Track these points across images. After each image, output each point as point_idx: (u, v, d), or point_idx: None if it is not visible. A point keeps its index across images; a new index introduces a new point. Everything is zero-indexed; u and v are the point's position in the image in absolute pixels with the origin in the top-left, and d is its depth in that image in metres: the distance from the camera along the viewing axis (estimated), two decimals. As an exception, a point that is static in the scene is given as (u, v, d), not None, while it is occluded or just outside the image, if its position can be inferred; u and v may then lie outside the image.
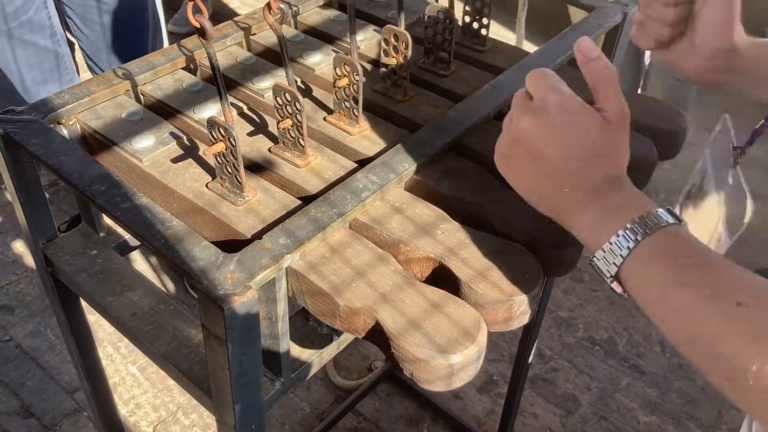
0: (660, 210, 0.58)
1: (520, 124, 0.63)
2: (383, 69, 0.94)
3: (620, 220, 0.58)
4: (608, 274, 0.59)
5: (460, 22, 1.07)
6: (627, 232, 0.57)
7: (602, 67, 0.62)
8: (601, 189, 0.61)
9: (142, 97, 0.94)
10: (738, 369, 0.50)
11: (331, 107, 0.90)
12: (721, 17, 0.76)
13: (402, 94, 0.94)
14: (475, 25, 1.05)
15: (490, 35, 1.06)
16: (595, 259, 0.60)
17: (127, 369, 1.97)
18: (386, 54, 0.92)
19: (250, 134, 0.88)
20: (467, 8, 1.05)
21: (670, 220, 0.57)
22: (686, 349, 0.55)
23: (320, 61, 1.00)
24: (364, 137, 0.88)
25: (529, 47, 1.39)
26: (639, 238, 0.57)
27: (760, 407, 0.51)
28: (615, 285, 0.60)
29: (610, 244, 0.58)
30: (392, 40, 0.90)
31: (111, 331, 2.03)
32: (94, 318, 1.81)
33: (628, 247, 0.57)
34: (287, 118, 0.80)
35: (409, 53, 0.90)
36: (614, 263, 0.58)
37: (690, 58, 0.80)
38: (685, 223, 0.58)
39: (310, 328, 0.81)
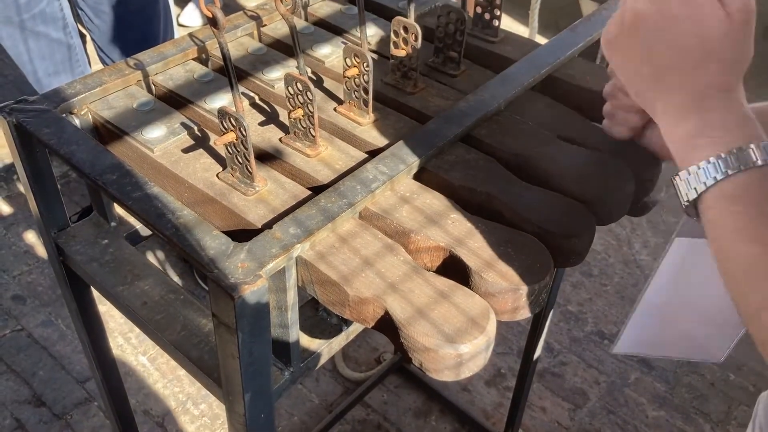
0: (754, 146, 0.52)
1: (636, 4, 0.58)
2: (393, 61, 0.94)
3: (717, 144, 0.53)
4: (685, 198, 0.55)
5: (471, 13, 1.06)
6: (719, 161, 0.52)
7: None
8: (707, 99, 0.55)
9: (153, 87, 0.94)
10: None
11: (341, 98, 0.90)
12: None
13: (412, 86, 0.94)
14: (487, 15, 1.05)
15: (501, 28, 1.06)
16: (677, 177, 0.55)
17: (138, 359, 1.98)
18: (396, 46, 0.92)
19: (261, 124, 0.88)
20: None
21: (760, 161, 0.52)
22: (736, 300, 0.52)
23: (330, 53, 1.00)
24: (375, 128, 0.88)
25: (540, 40, 1.39)
26: (730, 171, 0.52)
27: None
28: (689, 209, 0.56)
29: (698, 168, 0.53)
30: (402, 31, 0.90)
31: (122, 321, 2.04)
32: (105, 308, 1.82)
33: (715, 178, 0.52)
34: (298, 107, 0.80)
35: (419, 45, 0.90)
36: (695, 189, 0.54)
37: (661, 142, 0.71)
38: None
39: (319, 318, 0.81)
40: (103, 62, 2.13)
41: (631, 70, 0.60)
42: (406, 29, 0.89)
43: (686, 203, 0.56)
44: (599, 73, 0.98)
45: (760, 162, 0.52)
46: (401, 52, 0.92)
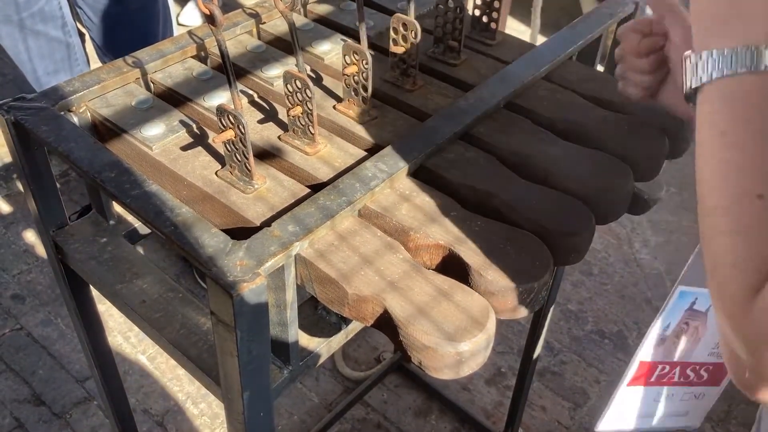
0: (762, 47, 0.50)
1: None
2: (392, 58, 0.94)
3: (728, 36, 0.51)
4: (689, 84, 0.54)
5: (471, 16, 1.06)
6: (721, 57, 0.51)
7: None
8: None
9: (152, 85, 0.94)
10: (709, 242, 0.50)
11: (341, 96, 0.90)
12: (685, 50, 0.70)
13: (411, 84, 0.93)
14: (485, 18, 1.04)
15: (500, 31, 1.05)
16: (688, 59, 0.54)
17: (137, 358, 1.98)
18: (395, 43, 0.91)
19: (260, 122, 0.88)
20: (478, 1, 1.04)
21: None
22: (699, 196, 0.53)
23: (330, 50, 1.00)
24: (374, 126, 0.87)
25: (540, 39, 1.39)
26: (726, 72, 0.51)
27: (714, 293, 0.51)
28: (688, 95, 0.55)
29: (710, 55, 0.51)
30: (401, 29, 0.90)
31: (121, 320, 2.04)
32: (104, 308, 1.82)
33: (710, 76, 0.51)
34: (297, 105, 0.80)
35: (418, 42, 0.89)
36: (700, 78, 0.52)
37: (676, 98, 0.78)
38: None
39: (318, 316, 0.81)
40: (102, 61, 2.12)
41: None
42: (405, 26, 0.89)
43: (688, 89, 0.54)
44: (597, 79, 0.98)
45: (763, 67, 0.49)
46: (401, 50, 0.91)
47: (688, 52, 0.54)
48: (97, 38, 2.05)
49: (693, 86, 0.53)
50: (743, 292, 0.48)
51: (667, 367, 0.92)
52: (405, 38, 0.90)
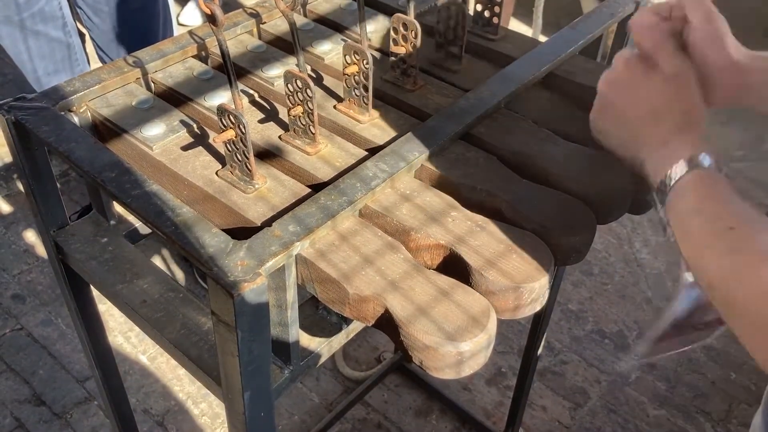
0: (705, 155, 0.65)
1: (601, 91, 0.75)
2: (393, 58, 0.93)
3: (675, 159, 0.66)
4: (660, 205, 0.67)
5: (471, 11, 1.06)
6: (677, 167, 0.65)
7: (651, 33, 0.71)
8: (668, 141, 0.68)
9: (152, 84, 0.94)
10: (710, 280, 0.60)
11: (341, 95, 0.90)
12: (708, 37, 0.75)
13: (412, 83, 0.93)
14: (487, 13, 1.04)
15: (502, 26, 1.05)
16: (654, 192, 0.67)
17: (138, 358, 1.98)
18: (395, 43, 0.91)
19: (261, 122, 0.88)
20: None
21: (707, 163, 0.65)
22: (691, 264, 0.63)
23: (330, 50, 1.00)
24: (374, 125, 0.87)
25: (541, 39, 1.38)
26: (683, 173, 0.65)
27: (727, 318, 0.60)
28: (663, 215, 0.67)
29: (662, 179, 0.66)
30: (401, 29, 0.90)
31: (122, 320, 2.04)
32: (104, 308, 1.81)
33: (675, 180, 0.65)
34: (298, 105, 0.80)
35: (419, 42, 0.89)
36: (664, 194, 0.66)
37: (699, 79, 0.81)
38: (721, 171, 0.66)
39: (319, 316, 0.81)
40: (102, 61, 2.12)
41: (613, 138, 0.75)
42: (405, 26, 0.89)
43: (662, 209, 0.67)
44: (599, 71, 0.98)
45: (707, 164, 0.65)
46: (401, 50, 0.91)
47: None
48: (98, 38, 2.05)
49: (663, 203, 0.67)
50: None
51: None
52: (405, 38, 0.90)
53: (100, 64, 2.16)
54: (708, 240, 0.61)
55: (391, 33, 0.91)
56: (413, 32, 0.89)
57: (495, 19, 1.04)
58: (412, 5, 0.92)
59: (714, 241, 0.60)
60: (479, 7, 1.05)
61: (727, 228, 0.60)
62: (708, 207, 0.63)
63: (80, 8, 1.98)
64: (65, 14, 1.92)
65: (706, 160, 0.66)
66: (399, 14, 0.89)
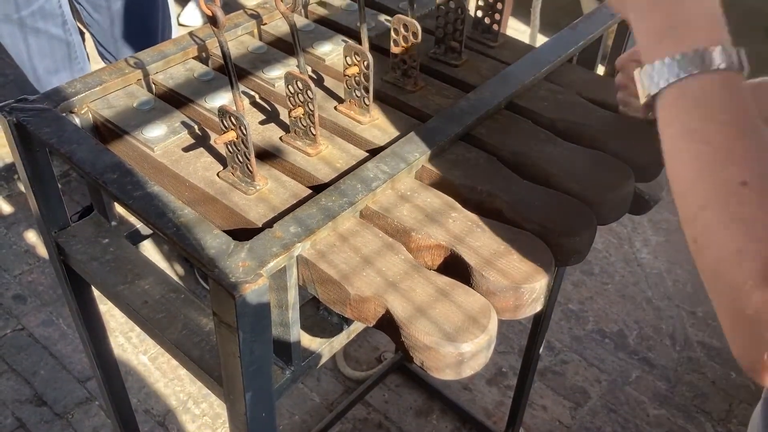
0: (718, 49, 0.53)
1: None
2: (393, 59, 0.94)
3: (681, 42, 0.54)
4: (646, 93, 0.56)
5: (472, 16, 1.06)
6: (682, 59, 0.54)
7: None
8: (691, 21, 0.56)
9: (153, 86, 0.94)
10: (706, 241, 0.51)
11: (342, 97, 0.90)
12: None
13: (412, 84, 0.94)
14: (487, 20, 1.04)
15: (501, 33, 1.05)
16: (640, 71, 0.57)
17: (139, 359, 1.98)
18: (396, 44, 0.92)
19: (262, 123, 0.88)
20: (480, 2, 1.03)
21: (723, 64, 0.53)
22: (679, 200, 0.54)
23: (331, 51, 1.00)
24: (375, 126, 0.87)
25: (540, 39, 1.39)
26: (692, 71, 0.53)
27: (711, 286, 0.52)
28: (647, 105, 0.57)
29: (662, 63, 0.55)
30: (402, 29, 0.90)
31: (123, 321, 2.04)
32: (105, 308, 1.82)
33: (678, 75, 0.54)
34: (299, 106, 0.80)
35: (419, 43, 0.89)
36: (657, 84, 0.55)
37: None
38: (744, 69, 0.54)
39: (320, 317, 0.81)
40: (103, 57, 2.13)
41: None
42: (406, 27, 0.89)
43: (645, 98, 0.57)
44: (597, 83, 0.98)
45: (723, 65, 0.53)
46: (401, 50, 0.91)
47: (637, 69, 0.57)
48: (98, 35, 2.05)
49: (652, 93, 0.55)
50: (752, 278, 0.48)
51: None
52: (406, 39, 0.90)
53: (100, 62, 2.18)
54: (712, 191, 0.51)
55: (392, 34, 0.91)
56: (413, 33, 0.89)
57: (495, 26, 1.04)
58: (412, 6, 0.92)
59: (721, 197, 0.51)
60: (479, 14, 1.05)
61: (740, 183, 0.50)
62: (715, 137, 0.52)
63: (80, 4, 1.98)
64: (65, 12, 1.92)
65: (720, 58, 0.53)
66: (399, 15, 0.89)
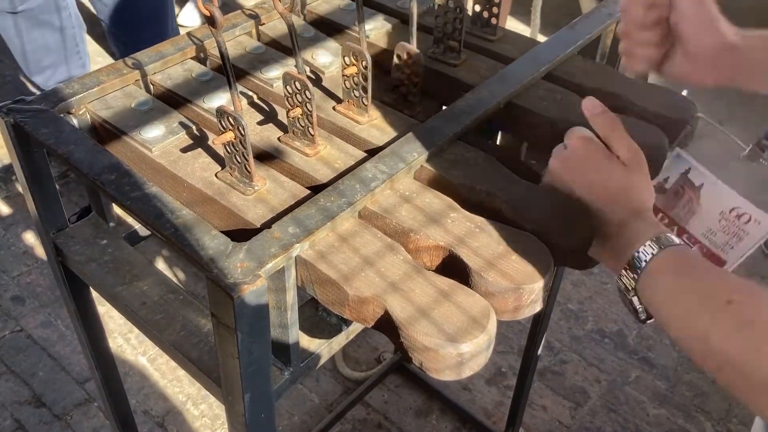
0: (670, 234, 0.67)
1: (550, 164, 0.76)
2: (394, 81, 0.92)
3: (640, 241, 0.66)
4: (630, 287, 0.67)
5: (470, 11, 1.06)
6: (645, 248, 0.65)
7: (608, 118, 0.73)
8: (626, 222, 0.70)
9: (151, 86, 0.94)
10: (724, 358, 0.58)
11: (341, 97, 0.90)
12: (702, 21, 0.76)
13: (410, 110, 0.92)
14: (486, 14, 1.04)
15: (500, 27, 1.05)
16: (621, 276, 0.67)
17: (137, 359, 1.98)
18: (398, 69, 0.91)
19: (260, 123, 0.88)
20: None
21: (677, 241, 0.66)
22: (687, 345, 0.62)
23: (330, 63, 0.99)
24: (374, 126, 0.87)
25: (539, 38, 1.39)
26: (654, 252, 0.65)
27: (745, 394, 0.58)
28: (635, 299, 0.67)
29: (637, 252, 0.66)
30: (404, 56, 0.89)
31: (121, 322, 2.04)
32: (104, 309, 1.81)
33: (646, 261, 0.65)
34: (297, 106, 0.80)
35: (421, 71, 0.89)
36: (633, 278, 0.66)
37: (687, 66, 0.80)
38: (691, 246, 0.67)
39: (319, 317, 0.81)
40: (113, 39, 2.14)
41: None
42: (409, 55, 0.88)
43: (632, 293, 0.67)
44: (598, 71, 0.98)
45: (672, 244, 0.66)
46: (402, 75, 0.90)
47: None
48: (107, 18, 2.09)
49: (634, 286, 0.67)
50: None
51: (666, 220, 0.97)
52: (407, 66, 0.89)
53: (105, 57, 2.19)
54: (708, 318, 0.59)
55: (394, 59, 0.90)
56: (416, 62, 0.88)
57: (494, 20, 1.04)
58: (414, 6, 0.92)
59: (716, 319, 0.58)
60: (477, 8, 1.05)
61: (725, 302, 0.58)
62: (695, 284, 0.62)
63: None
64: (69, 4, 1.94)
65: (674, 238, 0.66)
66: (402, 43, 0.88)
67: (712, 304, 0.59)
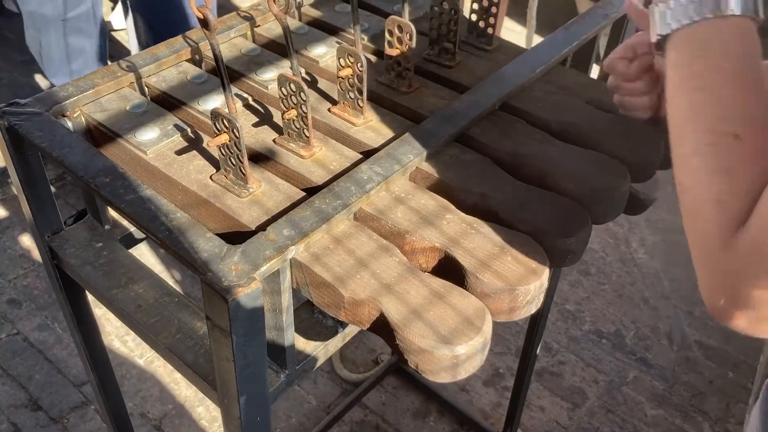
0: None
1: None
2: (387, 60, 0.93)
3: None
4: (658, 32, 0.57)
5: (467, 15, 1.06)
6: (689, 4, 0.54)
7: None
8: None
9: (146, 89, 0.93)
10: (691, 185, 0.53)
11: (336, 98, 0.90)
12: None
13: (406, 86, 0.93)
14: (482, 24, 1.04)
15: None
16: (656, 5, 0.57)
17: (134, 362, 1.97)
18: (390, 45, 0.91)
19: (255, 125, 0.87)
20: (475, 6, 1.03)
21: (738, 10, 0.53)
22: (672, 142, 0.56)
23: (324, 53, 0.99)
24: (369, 128, 0.87)
25: (536, 39, 1.38)
26: (695, 17, 0.54)
27: (688, 226, 0.54)
28: (659, 44, 0.58)
29: (666, 6, 0.55)
30: (396, 31, 0.89)
31: (118, 324, 2.04)
32: (101, 312, 1.81)
33: (679, 21, 0.55)
34: (292, 108, 0.80)
35: (413, 44, 0.89)
36: (669, 25, 0.56)
37: None
38: (759, 16, 0.54)
39: (314, 320, 0.81)
40: (142, 20, 2.24)
41: None
42: (400, 28, 0.89)
43: (656, 38, 0.58)
44: (591, 86, 0.97)
45: (737, 11, 0.53)
46: (396, 52, 0.91)
47: (652, 5, 0.57)
48: (142, 11, 2.21)
49: (663, 34, 0.56)
50: (726, 228, 0.51)
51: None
52: (400, 40, 0.90)
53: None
54: (703, 140, 0.53)
55: (386, 35, 0.91)
56: (408, 34, 0.89)
57: (489, 30, 1.03)
58: (406, 7, 0.92)
59: (710, 145, 0.52)
60: (474, 18, 1.04)
61: (732, 136, 0.51)
62: (717, 86, 0.53)
63: None
64: (97, 14, 2.11)
65: (737, 4, 0.53)
66: (394, 16, 0.89)
67: (719, 127, 0.52)
